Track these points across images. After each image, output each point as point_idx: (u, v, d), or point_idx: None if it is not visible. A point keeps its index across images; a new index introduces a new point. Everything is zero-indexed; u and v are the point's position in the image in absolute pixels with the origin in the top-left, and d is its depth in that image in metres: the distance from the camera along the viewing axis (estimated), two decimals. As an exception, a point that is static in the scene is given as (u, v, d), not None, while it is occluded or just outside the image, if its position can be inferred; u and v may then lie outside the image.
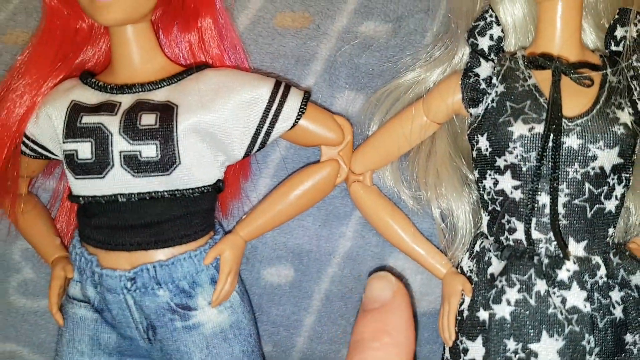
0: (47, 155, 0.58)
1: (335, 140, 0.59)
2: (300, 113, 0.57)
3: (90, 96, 0.55)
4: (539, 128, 0.49)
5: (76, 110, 0.54)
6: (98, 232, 0.56)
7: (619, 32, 0.54)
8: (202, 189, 0.56)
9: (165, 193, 0.55)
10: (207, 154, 0.55)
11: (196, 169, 0.55)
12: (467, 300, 0.55)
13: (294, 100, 0.57)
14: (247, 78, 0.57)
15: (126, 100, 0.55)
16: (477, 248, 0.56)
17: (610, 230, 0.52)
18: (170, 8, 0.59)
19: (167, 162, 0.53)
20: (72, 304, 0.58)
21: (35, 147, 0.58)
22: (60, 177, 0.65)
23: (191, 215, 0.57)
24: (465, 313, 0.54)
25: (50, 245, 0.61)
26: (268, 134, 0.56)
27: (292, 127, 0.57)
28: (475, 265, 0.55)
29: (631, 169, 0.52)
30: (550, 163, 0.49)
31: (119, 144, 0.53)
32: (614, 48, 0.54)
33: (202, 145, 0.55)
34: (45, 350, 0.69)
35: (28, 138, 0.58)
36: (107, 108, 0.54)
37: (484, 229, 0.56)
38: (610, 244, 0.53)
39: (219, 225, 0.62)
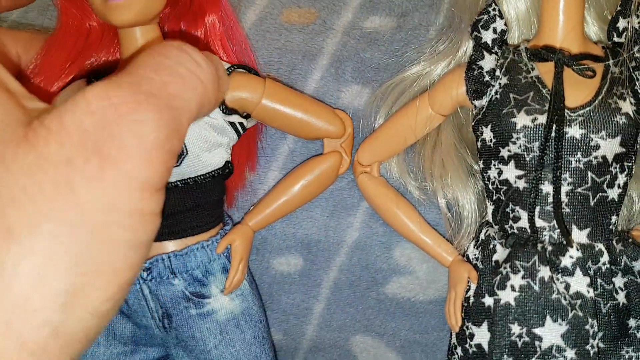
0: None
1: (336, 132, 0.61)
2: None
3: None
4: (542, 119, 0.51)
5: None
6: None
7: (621, 24, 0.55)
8: (213, 172, 0.58)
9: (179, 183, 0.56)
10: (210, 139, 0.57)
11: (204, 154, 0.56)
12: (473, 287, 0.56)
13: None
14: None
15: None
16: (482, 236, 0.57)
17: (614, 218, 0.54)
18: (177, 7, 0.60)
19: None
20: None
21: None
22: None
23: (202, 207, 0.58)
24: (471, 300, 0.55)
25: None
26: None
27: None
28: (480, 253, 0.57)
29: (634, 158, 0.53)
30: (552, 153, 0.51)
31: None
32: (616, 39, 0.55)
33: (204, 132, 0.56)
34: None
35: None
36: None
37: (489, 217, 0.57)
38: (614, 231, 0.54)
39: (227, 217, 0.64)
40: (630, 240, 0.55)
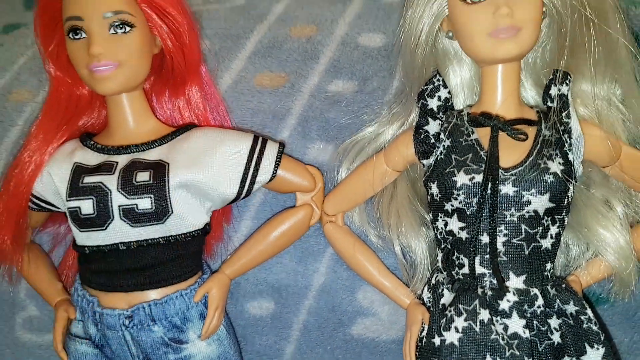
0: (50, 208, 0.66)
1: (308, 187, 0.67)
2: (276, 165, 0.64)
3: (91, 158, 0.63)
4: (479, 178, 0.57)
5: (78, 171, 0.62)
6: (98, 276, 0.63)
7: (553, 90, 0.61)
8: (193, 233, 0.63)
9: (161, 239, 0.62)
10: (196, 203, 0.63)
11: (187, 216, 0.62)
12: (426, 327, 0.61)
13: (270, 155, 0.64)
14: (229, 135, 0.65)
15: (122, 160, 0.62)
16: (433, 281, 0.63)
17: (548, 265, 0.60)
18: (161, 77, 0.67)
19: (160, 212, 0.61)
20: (75, 341, 0.65)
21: (39, 202, 0.65)
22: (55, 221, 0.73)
23: (182, 258, 0.64)
24: (424, 340, 0.61)
25: (53, 290, 0.68)
26: (252, 184, 0.64)
27: (272, 179, 0.65)
28: (431, 296, 0.62)
29: (564, 211, 0.59)
30: (489, 208, 0.57)
31: (118, 199, 0.60)
32: (550, 104, 0.62)
33: (191, 197, 0.62)
34: (48, 381, 0.76)
35: (33, 195, 0.65)
36: (106, 168, 0.61)
37: (439, 264, 0.63)
38: (549, 277, 0.60)
39: (206, 266, 0.69)
40: (563, 285, 0.61)
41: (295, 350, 0.73)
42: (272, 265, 0.71)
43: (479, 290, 0.58)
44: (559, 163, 0.58)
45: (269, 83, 0.75)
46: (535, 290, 0.58)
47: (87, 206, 0.60)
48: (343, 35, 0.78)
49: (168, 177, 0.61)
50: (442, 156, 0.60)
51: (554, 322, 0.58)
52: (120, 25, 0.60)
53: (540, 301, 0.58)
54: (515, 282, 0.58)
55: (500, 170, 0.57)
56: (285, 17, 0.82)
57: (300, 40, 0.78)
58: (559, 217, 0.59)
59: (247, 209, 0.72)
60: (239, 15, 0.84)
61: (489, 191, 0.57)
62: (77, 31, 0.60)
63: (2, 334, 0.75)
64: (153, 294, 0.62)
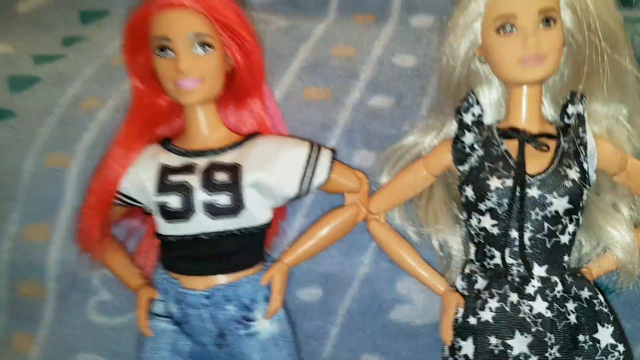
0: (132, 204, 0.75)
1: (355, 189, 0.77)
2: (330, 169, 0.74)
3: (173, 159, 0.73)
4: (509, 182, 0.68)
5: (164, 171, 0.71)
6: (181, 262, 0.72)
7: (570, 109, 0.72)
8: (260, 226, 0.73)
9: (236, 231, 0.71)
10: (263, 200, 0.72)
11: (256, 211, 0.72)
12: (461, 310, 0.72)
13: (325, 160, 0.74)
14: (290, 143, 0.75)
15: (201, 162, 0.72)
16: (467, 271, 0.73)
17: (566, 258, 0.70)
18: (229, 90, 0.77)
19: (236, 208, 0.70)
20: (156, 319, 0.74)
21: (124, 198, 0.75)
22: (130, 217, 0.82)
23: (251, 248, 0.74)
24: (460, 320, 0.71)
25: (132, 276, 0.78)
26: (309, 186, 0.73)
27: (326, 180, 0.74)
28: (465, 284, 0.73)
29: (580, 212, 0.70)
30: (517, 208, 0.67)
31: (200, 196, 0.70)
32: (567, 121, 0.72)
33: (260, 195, 0.72)
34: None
35: (119, 192, 0.74)
36: (188, 169, 0.71)
37: (472, 256, 0.73)
38: (566, 268, 0.70)
39: (268, 255, 0.79)
40: (579, 275, 0.71)
41: (339, 333, 0.83)
42: (322, 257, 0.81)
43: (509, 277, 0.69)
44: (576, 171, 0.69)
45: (316, 97, 0.85)
46: (555, 278, 0.69)
47: (174, 201, 0.70)
48: (379, 55, 0.89)
49: (242, 177, 0.70)
50: (477, 163, 0.70)
51: (570, 305, 0.69)
52: (203, 46, 0.70)
53: (559, 287, 0.69)
54: (539, 270, 0.69)
55: (527, 176, 0.68)
56: (326, 38, 0.93)
57: (341, 59, 0.89)
58: (575, 216, 0.69)
59: (300, 208, 0.82)
60: (284, 36, 0.94)
61: (517, 193, 0.67)
62: (165, 49, 0.70)
63: (76, 316, 0.84)
64: (227, 278, 0.72)
